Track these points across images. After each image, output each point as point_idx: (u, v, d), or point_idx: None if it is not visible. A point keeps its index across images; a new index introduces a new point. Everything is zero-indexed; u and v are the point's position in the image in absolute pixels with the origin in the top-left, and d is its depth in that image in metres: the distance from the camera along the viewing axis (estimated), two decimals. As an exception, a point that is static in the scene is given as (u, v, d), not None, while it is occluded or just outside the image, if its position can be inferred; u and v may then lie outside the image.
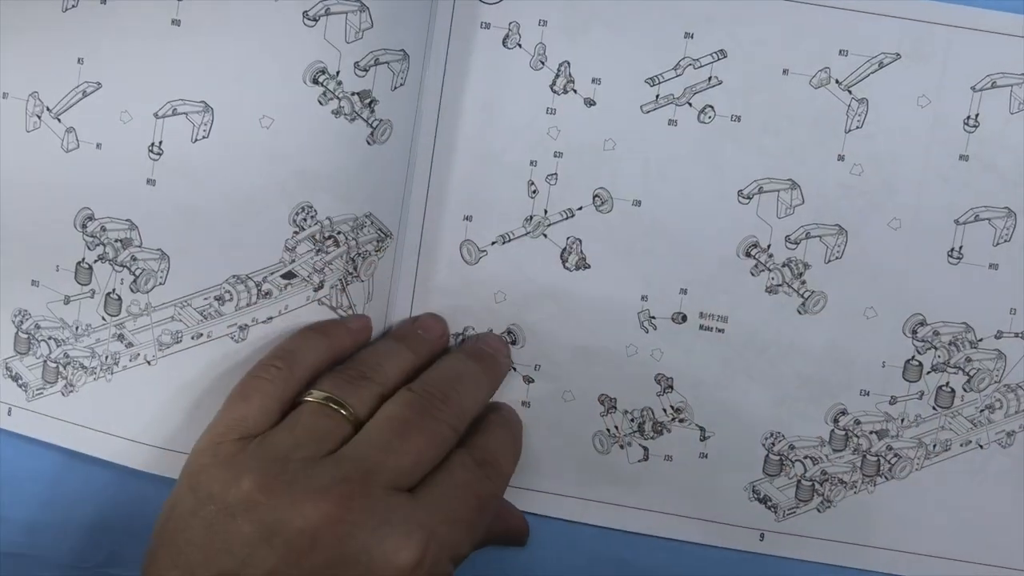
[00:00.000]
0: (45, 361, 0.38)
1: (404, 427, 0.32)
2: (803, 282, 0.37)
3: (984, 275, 0.37)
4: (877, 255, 0.37)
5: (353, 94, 0.36)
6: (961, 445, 0.37)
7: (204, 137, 0.36)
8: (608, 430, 0.38)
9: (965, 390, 0.37)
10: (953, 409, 0.37)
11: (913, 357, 0.37)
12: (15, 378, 0.38)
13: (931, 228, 0.36)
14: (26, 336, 0.38)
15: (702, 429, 0.38)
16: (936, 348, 0.37)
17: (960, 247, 0.36)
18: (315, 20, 0.35)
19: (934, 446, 0.37)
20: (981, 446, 0.37)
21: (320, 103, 0.36)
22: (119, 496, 0.39)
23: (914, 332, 0.37)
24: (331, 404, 0.33)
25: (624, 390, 0.38)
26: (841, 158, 0.37)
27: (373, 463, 0.31)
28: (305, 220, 0.36)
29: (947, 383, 0.37)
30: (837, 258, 0.37)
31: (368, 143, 0.37)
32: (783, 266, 0.37)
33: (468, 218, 0.38)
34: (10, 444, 0.39)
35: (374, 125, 0.36)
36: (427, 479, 0.33)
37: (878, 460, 0.37)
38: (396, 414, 0.33)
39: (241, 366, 0.36)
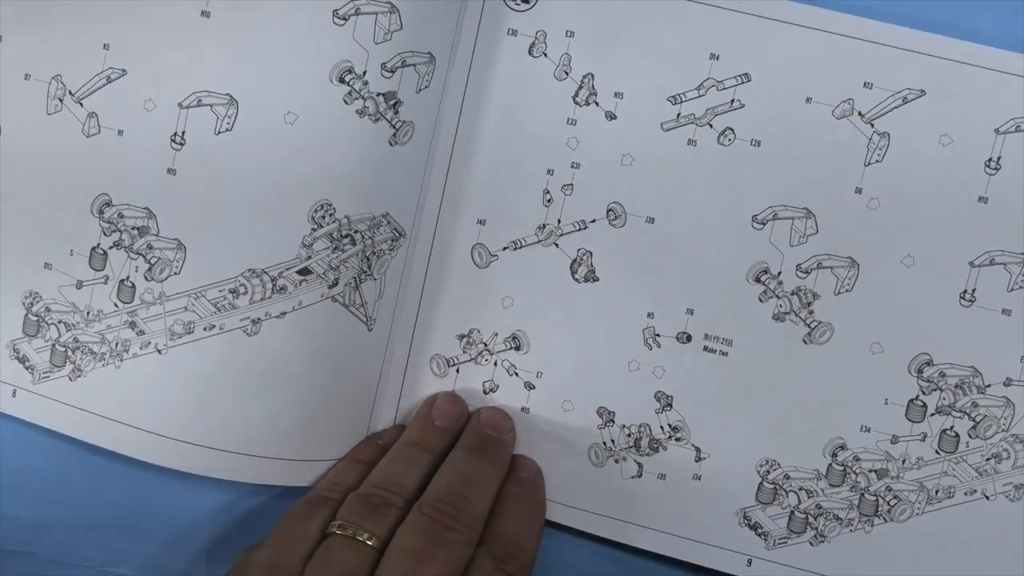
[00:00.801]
0: (54, 344, 0.38)
1: (419, 561, 0.33)
2: (811, 312, 0.37)
3: (996, 320, 0.36)
4: (888, 291, 0.36)
5: (378, 95, 0.36)
6: (965, 494, 0.37)
7: (227, 130, 0.36)
8: (605, 443, 0.38)
9: (971, 436, 0.37)
10: (957, 455, 0.37)
11: (917, 397, 0.37)
12: (22, 360, 0.39)
13: (944, 268, 0.36)
14: (35, 319, 0.38)
15: (698, 450, 0.38)
16: (942, 390, 0.37)
17: (973, 289, 0.36)
18: (345, 19, 0.36)
19: (936, 492, 0.37)
20: (987, 497, 0.37)
21: (345, 102, 0.36)
22: (122, 494, 0.40)
23: (920, 371, 0.37)
24: (357, 537, 0.34)
25: (623, 405, 0.38)
26: (859, 191, 0.36)
27: None
28: (323, 218, 0.37)
29: (951, 427, 0.37)
30: (847, 290, 0.37)
31: (390, 144, 0.37)
32: (792, 294, 0.37)
33: (482, 222, 0.38)
34: (12, 441, 0.39)
35: (397, 126, 0.37)
36: None
37: (876, 500, 0.37)
38: (409, 546, 0.33)
39: (253, 360, 0.37)
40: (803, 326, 0.37)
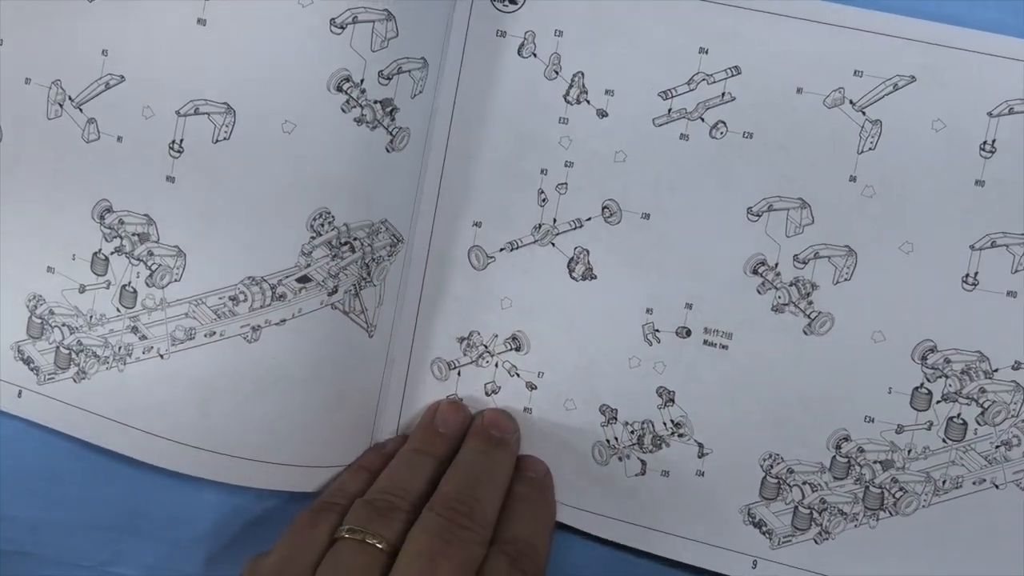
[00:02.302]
0: (58, 347, 0.39)
1: (433, 563, 0.33)
2: (810, 302, 0.37)
3: (1001, 303, 0.36)
4: (887, 278, 0.36)
5: (375, 102, 0.36)
6: (974, 483, 0.36)
7: (225, 139, 0.37)
8: (608, 441, 0.38)
9: (979, 423, 0.36)
10: (965, 443, 0.36)
11: (922, 385, 0.36)
12: (27, 361, 0.39)
13: (945, 253, 0.36)
14: (39, 321, 0.39)
15: (700, 445, 0.37)
16: (947, 376, 0.36)
17: (975, 273, 0.36)
18: (342, 28, 0.36)
19: (944, 482, 0.36)
20: (996, 486, 0.36)
21: (343, 110, 0.36)
22: (123, 495, 0.40)
23: (923, 358, 0.36)
24: (367, 540, 0.34)
25: (625, 402, 0.38)
26: (853, 179, 0.36)
27: None
28: (322, 225, 0.37)
29: (959, 414, 0.36)
30: (846, 280, 0.36)
31: (387, 151, 0.37)
32: (790, 285, 0.37)
33: (477, 224, 0.38)
34: (13, 442, 0.40)
35: (394, 133, 0.37)
36: None
37: (882, 492, 0.36)
38: (424, 547, 0.33)
39: (253, 366, 0.37)
40: (803, 317, 0.37)
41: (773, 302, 0.37)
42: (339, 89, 0.36)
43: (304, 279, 0.37)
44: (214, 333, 0.37)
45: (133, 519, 0.40)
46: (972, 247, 0.36)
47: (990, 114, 0.35)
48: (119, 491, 0.40)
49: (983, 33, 0.35)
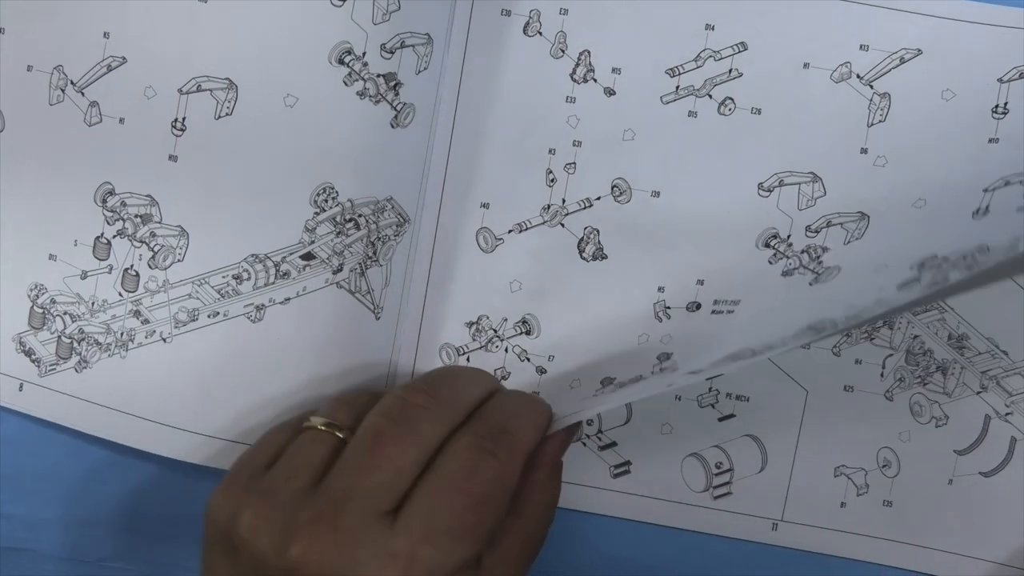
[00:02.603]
0: (59, 336, 0.38)
1: (378, 442, 0.31)
2: (820, 263, 0.36)
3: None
4: (899, 229, 0.35)
5: (378, 76, 0.36)
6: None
7: (228, 114, 0.36)
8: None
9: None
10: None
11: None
12: (28, 353, 0.38)
13: (958, 198, 0.35)
14: (41, 311, 0.38)
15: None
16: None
17: (987, 206, 0.35)
18: (343, 0, 0.36)
19: None
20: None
21: (345, 84, 0.36)
22: (122, 490, 0.39)
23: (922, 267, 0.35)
24: (330, 428, 0.32)
25: (623, 369, 0.37)
26: (864, 151, 0.36)
27: (348, 490, 0.30)
28: (326, 201, 0.36)
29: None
30: (857, 239, 0.36)
31: (392, 126, 0.37)
32: (802, 253, 0.36)
33: (485, 205, 0.38)
34: (12, 439, 0.39)
35: (398, 108, 0.37)
36: (416, 486, 0.30)
37: None
38: (370, 425, 0.31)
39: (256, 346, 0.36)
40: (811, 274, 0.36)
41: (784, 269, 0.36)
42: (340, 62, 0.36)
43: (308, 256, 0.37)
44: (217, 313, 0.37)
45: (132, 515, 0.39)
46: (985, 189, 0.35)
47: (1000, 80, 0.35)
48: (118, 487, 0.39)
49: (987, 5, 0.36)
